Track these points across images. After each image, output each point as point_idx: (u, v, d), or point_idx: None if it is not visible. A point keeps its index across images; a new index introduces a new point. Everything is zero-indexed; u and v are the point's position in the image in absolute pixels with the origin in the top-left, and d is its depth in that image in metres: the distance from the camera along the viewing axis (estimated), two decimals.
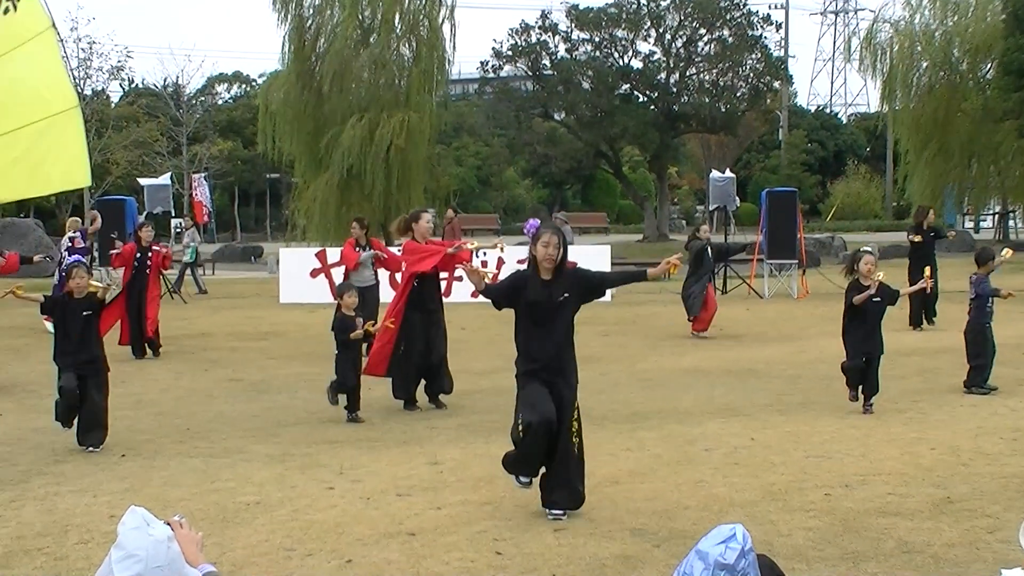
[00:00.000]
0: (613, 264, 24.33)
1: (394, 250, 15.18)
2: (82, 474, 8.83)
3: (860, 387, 11.26)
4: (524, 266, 7.72)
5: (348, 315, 11.13)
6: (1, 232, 32.04)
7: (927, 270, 13.32)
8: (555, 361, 7.47)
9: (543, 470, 7.56)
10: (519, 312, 7.57)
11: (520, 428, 7.33)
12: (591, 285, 7.75)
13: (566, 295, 7.45)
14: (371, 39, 31.69)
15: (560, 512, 7.43)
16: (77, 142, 9.97)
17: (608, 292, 23.90)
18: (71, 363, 9.67)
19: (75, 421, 9.68)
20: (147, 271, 16.21)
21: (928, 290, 14.43)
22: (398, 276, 13.79)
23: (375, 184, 30.17)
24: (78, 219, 18.91)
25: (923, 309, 18.30)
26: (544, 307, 7.44)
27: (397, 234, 12.34)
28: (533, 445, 7.37)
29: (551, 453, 7.46)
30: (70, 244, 18.65)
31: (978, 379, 12.12)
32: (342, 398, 11.18)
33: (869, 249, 11.65)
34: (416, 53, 31.92)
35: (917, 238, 18.54)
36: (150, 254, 16.14)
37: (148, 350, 16.05)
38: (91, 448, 9.58)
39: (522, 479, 7.58)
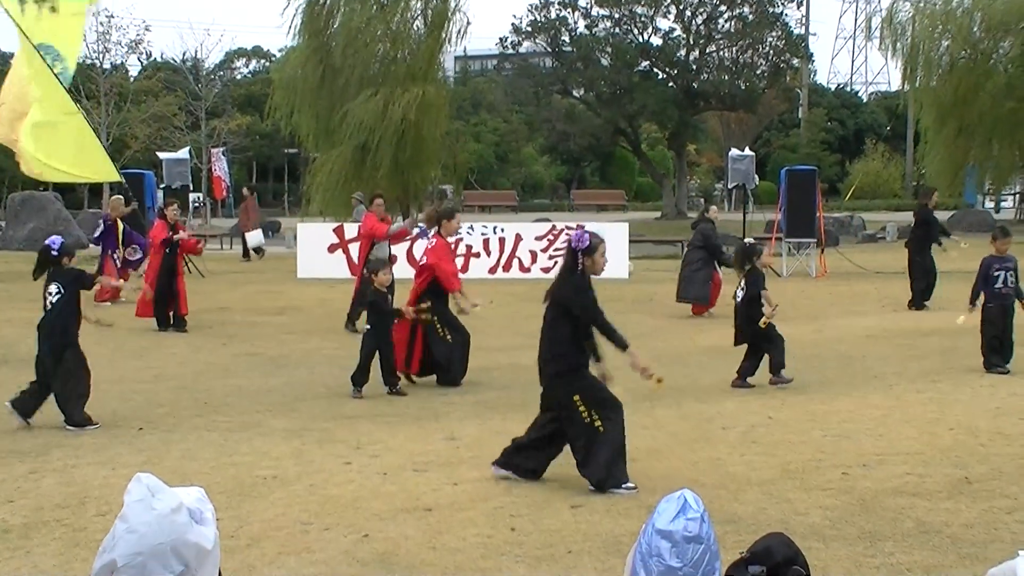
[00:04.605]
0: (631, 242, 24.21)
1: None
2: (100, 447, 8.88)
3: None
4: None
5: (381, 292, 11.19)
6: (21, 206, 32.10)
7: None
8: None
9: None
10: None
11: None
12: None
13: None
14: (385, 11, 31.44)
15: (635, 483, 7.53)
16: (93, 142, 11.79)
17: (626, 271, 23.71)
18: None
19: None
20: (177, 254, 16.22)
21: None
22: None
23: (384, 160, 29.92)
24: (120, 197, 18.56)
25: (925, 291, 18.15)
26: None
27: (427, 223, 12.39)
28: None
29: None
30: (103, 229, 18.51)
31: (995, 357, 12.05)
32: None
33: (751, 241, 12.31)
34: (430, 26, 31.68)
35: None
36: (178, 240, 16.08)
37: (178, 327, 16.00)
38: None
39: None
